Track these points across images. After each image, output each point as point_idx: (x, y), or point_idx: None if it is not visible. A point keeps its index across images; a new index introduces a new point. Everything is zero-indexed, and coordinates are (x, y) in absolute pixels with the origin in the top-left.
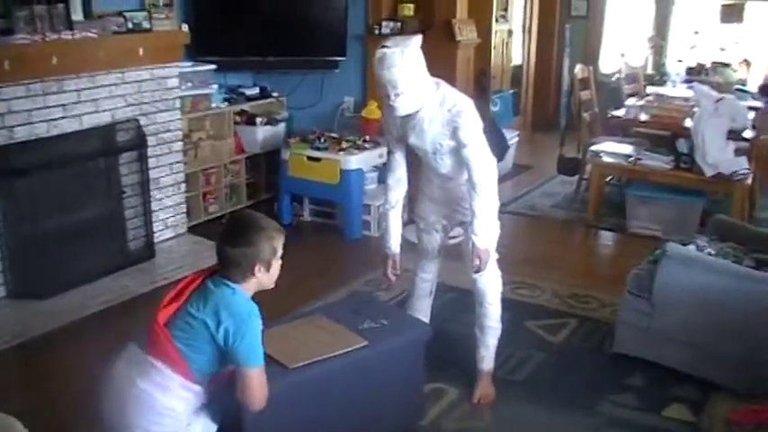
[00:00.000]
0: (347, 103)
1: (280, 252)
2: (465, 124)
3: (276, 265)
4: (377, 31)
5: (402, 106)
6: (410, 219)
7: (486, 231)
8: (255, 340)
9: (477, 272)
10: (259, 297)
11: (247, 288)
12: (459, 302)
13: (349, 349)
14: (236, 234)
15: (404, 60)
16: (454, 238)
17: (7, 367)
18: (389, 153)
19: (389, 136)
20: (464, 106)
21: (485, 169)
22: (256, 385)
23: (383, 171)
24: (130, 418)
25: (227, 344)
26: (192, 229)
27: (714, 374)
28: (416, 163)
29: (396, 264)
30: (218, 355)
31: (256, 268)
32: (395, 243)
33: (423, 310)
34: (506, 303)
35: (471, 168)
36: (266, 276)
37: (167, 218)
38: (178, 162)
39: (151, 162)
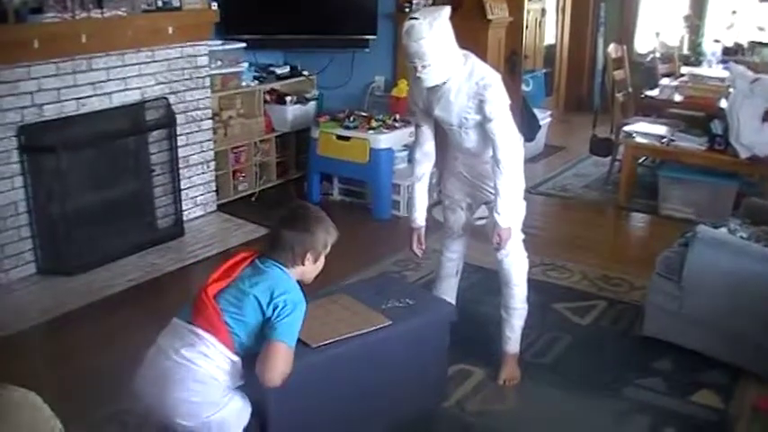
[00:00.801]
0: (377, 82)
1: (329, 247)
2: (491, 98)
3: (323, 259)
4: (407, 9)
5: (429, 78)
6: (439, 198)
7: (509, 211)
8: (297, 323)
9: (497, 250)
10: None
11: (292, 274)
12: (486, 283)
13: (372, 329)
14: (296, 219)
15: (432, 32)
16: (481, 219)
17: (37, 343)
18: (416, 126)
19: (415, 107)
20: (492, 80)
21: (509, 146)
22: (280, 360)
23: (413, 150)
24: (171, 390)
25: (273, 316)
26: (222, 207)
27: (744, 360)
28: (443, 141)
29: (420, 238)
30: (260, 331)
31: (307, 256)
32: (420, 217)
33: (449, 290)
34: (535, 285)
35: (496, 144)
36: (312, 267)
37: (196, 196)
38: (208, 140)
39: (180, 140)
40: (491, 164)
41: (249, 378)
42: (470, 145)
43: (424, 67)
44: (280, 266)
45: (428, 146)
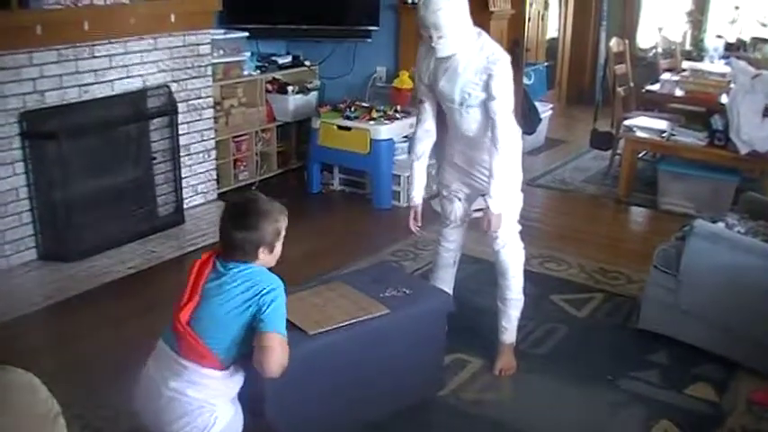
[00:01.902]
0: (379, 73)
1: (283, 233)
2: (499, 74)
3: (279, 246)
4: (410, 1)
5: (443, 48)
6: (437, 189)
7: (502, 196)
8: (282, 309)
9: (486, 233)
10: (283, 265)
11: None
12: (484, 274)
13: (370, 317)
14: (239, 218)
15: (449, 4)
16: (478, 210)
17: (37, 328)
18: (419, 102)
19: (420, 83)
20: (502, 57)
21: (508, 129)
22: (276, 350)
23: (413, 141)
24: (167, 424)
25: (256, 314)
26: (223, 196)
27: (739, 354)
28: (441, 130)
29: (417, 215)
30: (246, 332)
31: (260, 251)
32: (418, 195)
33: (446, 280)
34: (533, 276)
35: (495, 124)
36: (269, 258)
37: (197, 184)
38: (209, 129)
39: (182, 128)
40: (487, 148)
41: (245, 368)
42: (468, 126)
43: (439, 37)
44: (239, 265)
45: (429, 123)
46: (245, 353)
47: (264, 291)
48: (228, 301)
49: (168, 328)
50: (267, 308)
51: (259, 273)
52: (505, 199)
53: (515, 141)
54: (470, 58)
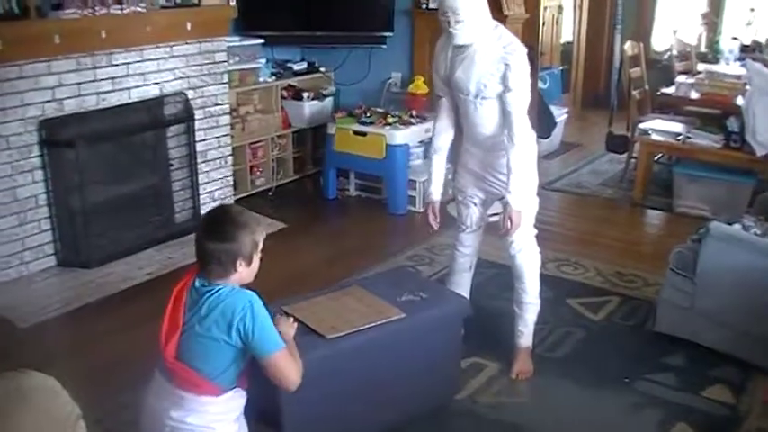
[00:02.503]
0: (394, 79)
1: (261, 245)
2: (516, 65)
3: (257, 259)
4: (424, 6)
5: (461, 34)
6: (453, 194)
7: (521, 192)
8: (267, 326)
9: (506, 235)
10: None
11: (231, 283)
12: (500, 279)
13: (386, 321)
14: (216, 229)
15: None
16: (495, 215)
17: (57, 334)
18: (437, 98)
19: (436, 77)
20: (520, 48)
21: (524, 123)
22: (285, 368)
23: (429, 146)
24: None
25: (243, 341)
26: (239, 202)
27: (756, 356)
28: (457, 134)
29: (435, 211)
30: (239, 354)
31: (238, 263)
32: (436, 190)
33: (462, 284)
34: (549, 280)
35: (511, 119)
36: (247, 271)
37: (214, 190)
38: (225, 135)
39: (198, 135)
40: (503, 146)
41: (257, 380)
42: (482, 122)
43: (457, 22)
44: (214, 286)
45: (447, 119)
46: (243, 371)
47: (240, 316)
48: (209, 331)
49: (161, 358)
50: (252, 335)
51: (228, 295)
52: (524, 196)
53: (531, 144)
54: (488, 47)
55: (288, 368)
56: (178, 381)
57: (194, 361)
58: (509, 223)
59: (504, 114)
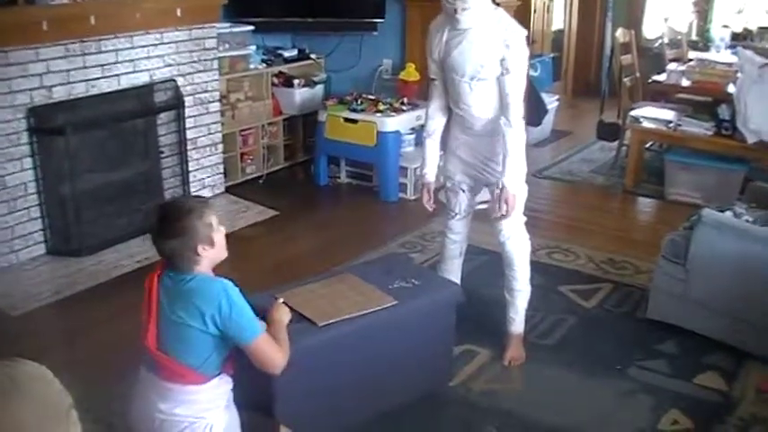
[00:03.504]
0: (385, 66)
1: (216, 223)
2: (516, 47)
3: (219, 235)
4: None
5: (466, 19)
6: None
7: (517, 175)
8: (244, 312)
9: (503, 218)
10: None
11: (201, 270)
12: (490, 265)
13: (379, 308)
14: (166, 227)
15: None
16: (483, 202)
17: (46, 322)
18: (431, 80)
19: (430, 60)
20: (519, 30)
21: (520, 108)
22: (267, 351)
23: (420, 133)
24: None
25: (220, 329)
26: (230, 189)
27: (748, 343)
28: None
29: (430, 193)
30: (219, 342)
31: (200, 249)
32: (430, 172)
33: (453, 271)
34: (540, 267)
35: (509, 100)
36: (213, 251)
37: (204, 178)
38: (215, 123)
39: (189, 122)
40: (497, 127)
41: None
42: (475, 104)
43: (464, 9)
44: (185, 276)
45: (441, 101)
46: (227, 358)
47: (216, 305)
48: (185, 321)
49: (146, 355)
50: (229, 324)
51: (200, 284)
52: (520, 179)
53: (522, 133)
54: (488, 29)
55: (270, 353)
56: (162, 372)
57: (175, 351)
58: (504, 206)
59: (502, 97)
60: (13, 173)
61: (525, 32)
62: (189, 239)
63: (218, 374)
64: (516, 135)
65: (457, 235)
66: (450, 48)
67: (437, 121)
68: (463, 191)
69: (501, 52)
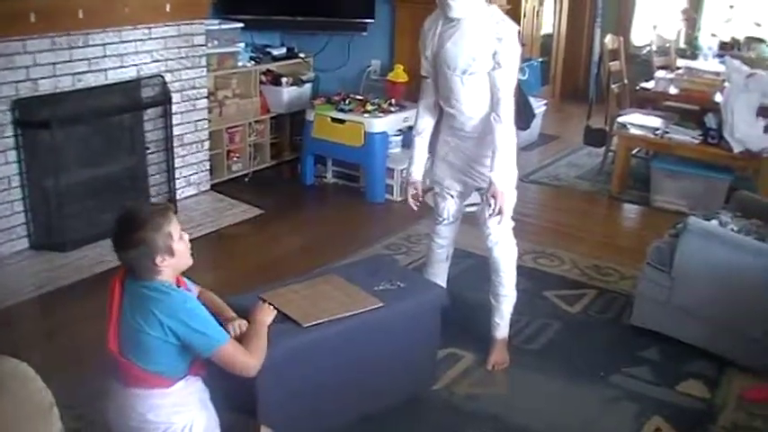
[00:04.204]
0: (374, 66)
1: (177, 233)
2: (508, 41)
3: (180, 245)
4: None
5: (459, 8)
6: (430, 185)
7: (506, 172)
8: (204, 323)
9: (492, 216)
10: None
11: (164, 278)
12: (476, 269)
13: (364, 310)
14: (121, 238)
15: None
16: (472, 205)
17: (29, 317)
18: (423, 77)
19: (423, 58)
20: (512, 25)
21: (510, 104)
22: (232, 359)
23: (408, 135)
24: None
25: (180, 340)
26: (215, 187)
27: (731, 351)
28: (436, 124)
29: (418, 190)
30: (182, 349)
31: (158, 260)
32: (417, 171)
33: (439, 275)
34: (526, 272)
35: (499, 95)
36: (173, 261)
37: (190, 175)
38: (202, 119)
39: (176, 119)
40: (488, 125)
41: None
42: (466, 100)
43: None
44: (145, 285)
45: (432, 100)
46: (194, 361)
47: (176, 318)
48: (146, 329)
49: (111, 365)
50: (190, 336)
51: (159, 295)
52: (508, 178)
53: (513, 134)
54: (480, 22)
55: (237, 359)
56: (127, 378)
57: (137, 356)
58: (493, 202)
59: (493, 93)
60: None
61: (517, 28)
62: (146, 250)
63: (184, 377)
64: (506, 131)
65: (444, 240)
66: (443, 40)
67: (427, 120)
68: (452, 196)
69: (493, 46)
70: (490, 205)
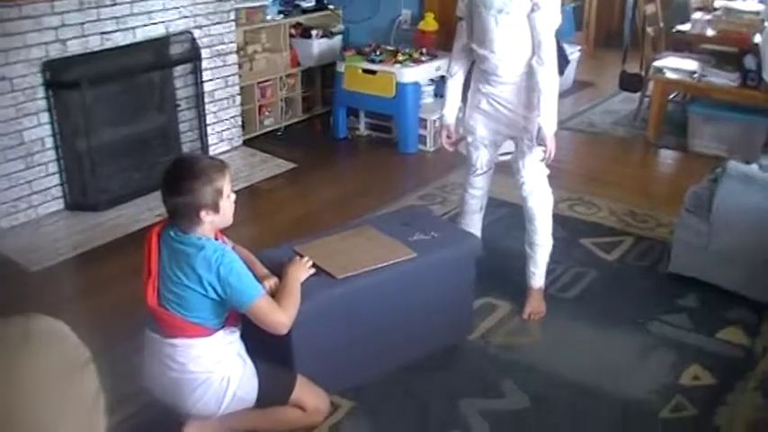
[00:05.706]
0: (404, 16)
1: (227, 191)
2: None
3: (226, 204)
4: None
5: None
6: (462, 134)
7: (553, 116)
8: (241, 278)
9: (547, 161)
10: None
11: (203, 233)
12: (511, 218)
13: (398, 260)
14: (173, 183)
15: None
16: (506, 153)
17: (65, 277)
18: (458, 20)
19: None
20: None
21: (552, 45)
22: (266, 314)
23: (440, 85)
24: (181, 402)
25: (219, 295)
26: (248, 142)
27: None
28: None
29: (450, 133)
30: (218, 303)
31: (203, 213)
32: (450, 113)
33: (473, 225)
34: (561, 220)
35: (540, 38)
36: (217, 218)
37: (222, 131)
38: (233, 75)
39: (206, 75)
40: (532, 64)
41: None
42: (501, 41)
43: None
44: (185, 237)
45: (466, 42)
46: (230, 313)
47: (214, 271)
48: (183, 281)
49: (149, 317)
50: (227, 289)
51: (198, 249)
52: (554, 119)
53: (557, 79)
54: None
55: (270, 315)
56: (165, 329)
57: (176, 307)
58: (544, 147)
59: (533, 36)
60: (30, 128)
61: None
62: (193, 201)
63: (222, 327)
64: (550, 74)
65: (478, 190)
66: None
67: (461, 63)
68: (485, 146)
69: None
70: (543, 154)
